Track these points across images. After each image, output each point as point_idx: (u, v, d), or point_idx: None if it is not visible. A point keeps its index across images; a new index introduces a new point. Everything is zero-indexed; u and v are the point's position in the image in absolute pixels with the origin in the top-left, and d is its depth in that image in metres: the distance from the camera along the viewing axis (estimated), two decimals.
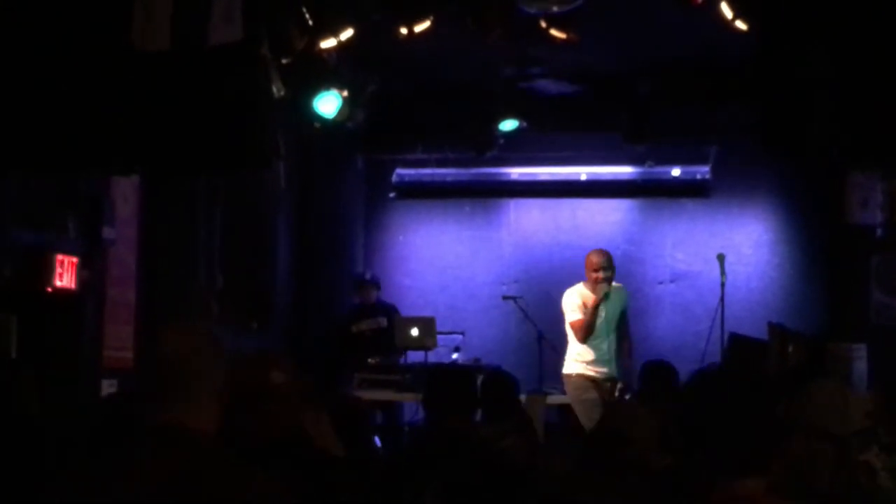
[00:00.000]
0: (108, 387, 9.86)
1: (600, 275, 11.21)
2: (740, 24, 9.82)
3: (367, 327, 13.11)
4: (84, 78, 7.72)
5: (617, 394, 11.18)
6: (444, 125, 14.08)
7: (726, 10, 9.88)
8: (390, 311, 13.26)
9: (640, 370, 9.20)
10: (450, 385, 6.72)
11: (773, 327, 11.98)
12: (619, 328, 11.58)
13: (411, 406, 12.30)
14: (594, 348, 11.37)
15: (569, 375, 11.44)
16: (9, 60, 7.76)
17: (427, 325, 12.48)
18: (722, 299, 12.64)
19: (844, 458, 5.04)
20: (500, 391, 7.91)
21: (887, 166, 10.58)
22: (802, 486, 4.59)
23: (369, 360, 12.86)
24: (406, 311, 13.33)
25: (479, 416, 7.45)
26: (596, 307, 11.27)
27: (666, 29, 11.44)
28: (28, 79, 7.75)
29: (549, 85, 13.42)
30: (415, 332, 12.38)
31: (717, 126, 13.44)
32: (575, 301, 11.39)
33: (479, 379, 9.23)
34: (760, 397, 4.20)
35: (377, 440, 11.98)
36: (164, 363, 3.72)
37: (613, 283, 11.51)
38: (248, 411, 4.45)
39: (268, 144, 8.08)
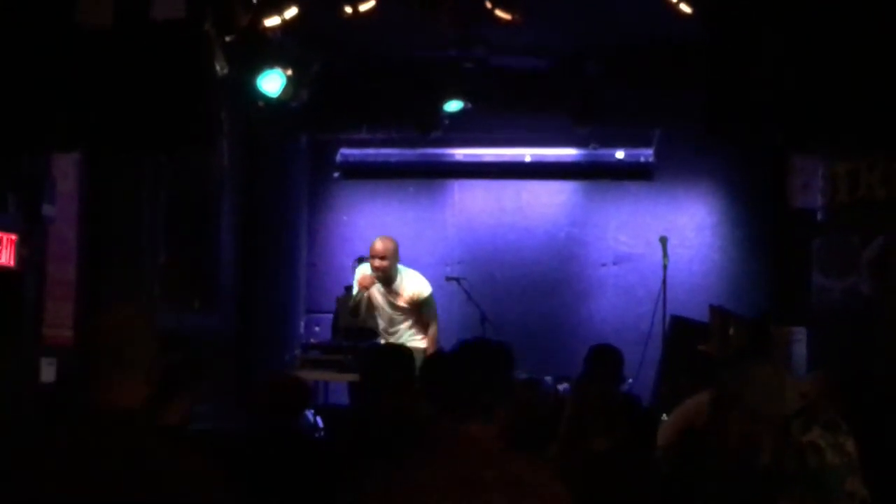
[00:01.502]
0: (47, 364, 9.79)
1: (374, 262, 11.08)
2: (684, 8, 9.87)
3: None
4: (25, 53, 7.65)
5: None
6: (388, 105, 14.03)
7: None
8: None
9: (587, 353, 9.18)
10: (387, 365, 6.72)
11: (715, 310, 12.04)
12: (416, 315, 11.37)
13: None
14: (381, 333, 11.36)
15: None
16: None
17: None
18: (664, 282, 12.72)
19: (783, 438, 5.09)
20: (441, 371, 7.89)
21: (828, 150, 10.65)
22: (737, 465, 4.64)
23: (311, 340, 12.83)
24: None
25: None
26: (362, 289, 11.17)
27: (613, 12, 11.46)
28: None
29: (495, 65, 13.40)
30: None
31: (664, 109, 13.47)
32: (357, 278, 11.31)
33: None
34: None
35: (319, 420, 11.98)
36: (98, 344, 3.72)
37: (411, 274, 11.37)
38: None
39: (210, 123, 8.04)
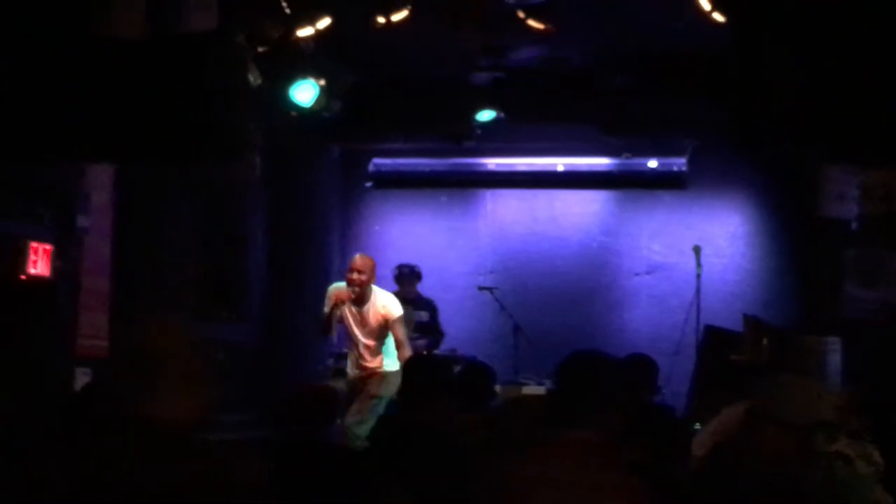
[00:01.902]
0: (81, 375, 9.83)
1: (352, 276, 10.86)
2: (717, 17, 9.85)
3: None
4: (57, 66, 7.68)
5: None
6: (421, 115, 14.04)
7: (704, 2, 9.90)
8: (431, 305, 13.02)
9: (622, 362, 9.12)
10: (426, 375, 6.72)
11: (748, 319, 12.00)
12: (387, 335, 11.13)
13: None
14: (351, 349, 11.19)
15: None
16: None
17: (405, 316, 12.39)
18: (697, 291, 12.69)
19: (812, 449, 5.07)
20: (477, 382, 7.86)
21: (862, 160, 10.60)
22: (771, 478, 4.63)
23: (343, 349, 12.83)
24: None
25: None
26: (333, 307, 10.89)
27: (645, 22, 11.43)
28: (2, 68, 7.70)
29: (527, 76, 13.39)
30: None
31: (695, 119, 13.44)
32: (328, 296, 11.03)
33: (456, 369, 9.22)
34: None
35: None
36: (140, 355, 3.73)
37: (382, 293, 11.15)
38: None
39: (242, 134, 8.05)
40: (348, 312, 10.97)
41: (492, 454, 5.57)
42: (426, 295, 12.96)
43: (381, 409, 10.43)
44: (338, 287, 10.97)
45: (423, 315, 12.75)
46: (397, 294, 12.45)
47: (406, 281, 12.86)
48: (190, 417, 3.73)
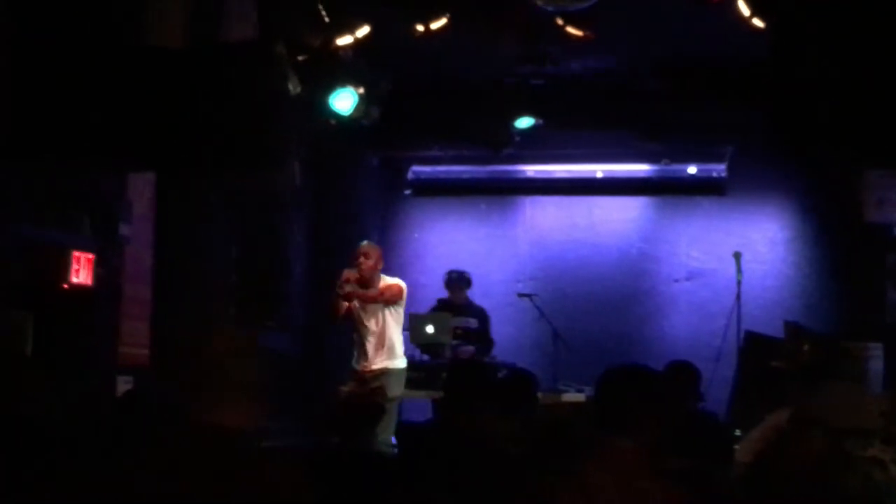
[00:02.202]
0: (123, 383, 9.88)
1: (358, 261, 11.01)
2: (757, 22, 9.83)
3: (455, 325, 12.70)
4: (99, 75, 7.73)
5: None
6: (460, 122, 14.05)
7: (743, 8, 9.88)
8: (481, 313, 12.99)
9: (663, 370, 9.05)
10: (470, 381, 6.72)
11: (789, 325, 11.96)
12: (395, 328, 11.19)
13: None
14: (361, 342, 11.16)
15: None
16: (26, 59, 7.78)
17: (442, 322, 12.41)
18: (738, 297, 12.63)
19: (848, 453, 5.07)
20: (520, 389, 7.84)
21: None
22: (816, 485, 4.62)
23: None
24: (421, 308, 13.30)
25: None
26: (339, 290, 10.98)
27: (683, 27, 11.41)
28: (45, 77, 7.76)
29: (565, 83, 13.38)
30: (430, 329, 12.32)
31: (734, 125, 13.41)
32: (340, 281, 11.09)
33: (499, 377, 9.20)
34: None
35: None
36: (204, 363, 3.76)
37: (389, 278, 11.24)
38: None
39: (282, 142, 8.08)
40: (357, 302, 11.06)
41: (535, 462, 5.58)
42: (477, 303, 12.99)
43: (395, 411, 10.48)
44: (347, 272, 11.07)
45: (473, 322, 12.72)
46: (447, 300, 12.52)
47: (455, 286, 12.89)
48: (240, 424, 3.75)
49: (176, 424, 3.76)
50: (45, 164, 8.31)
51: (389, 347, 11.04)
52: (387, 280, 11.17)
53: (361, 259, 10.99)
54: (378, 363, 10.98)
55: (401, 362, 11.12)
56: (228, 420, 3.72)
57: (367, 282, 11.01)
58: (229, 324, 11.26)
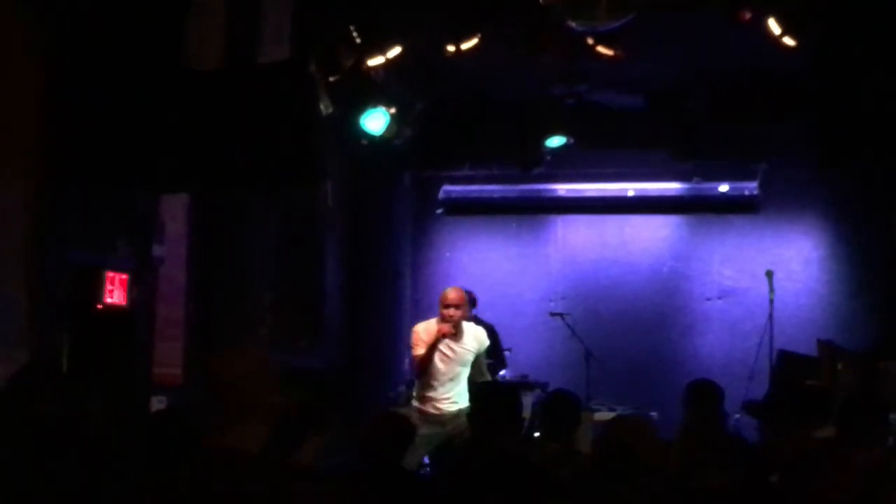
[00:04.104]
0: (157, 403, 9.92)
1: (448, 312, 10.46)
2: (788, 41, 9.81)
3: None
4: (136, 96, 7.79)
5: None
6: (491, 142, 14.09)
7: (774, 27, 9.87)
8: (490, 331, 12.77)
9: (684, 391, 9.03)
10: (495, 402, 6.70)
11: (823, 344, 11.91)
12: (474, 368, 10.74)
13: None
14: (436, 386, 10.61)
15: (410, 409, 10.78)
16: (67, 83, 7.85)
17: None
18: (770, 316, 12.59)
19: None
20: (563, 410, 7.79)
21: None
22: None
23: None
24: None
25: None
26: (433, 345, 10.50)
27: (714, 46, 11.42)
28: (82, 98, 7.82)
29: (597, 102, 13.40)
30: None
31: (766, 142, 13.41)
32: (419, 335, 10.63)
33: (532, 396, 9.18)
34: None
35: (425, 457, 11.99)
36: (219, 386, 3.77)
37: (471, 325, 10.85)
38: None
39: (316, 163, 8.12)
40: (439, 351, 10.62)
41: (588, 484, 5.57)
42: (488, 320, 12.88)
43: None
44: (427, 326, 10.67)
45: None
46: None
47: None
48: (256, 447, 3.77)
49: (192, 447, 3.78)
50: (88, 187, 8.36)
51: (461, 392, 10.64)
52: (471, 329, 10.79)
53: (452, 311, 10.51)
54: (454, 405, 10.56)
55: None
56: (245, 442, 3.74)
57: (456, 334, 10.61)
58: (262, 345, 11.30)
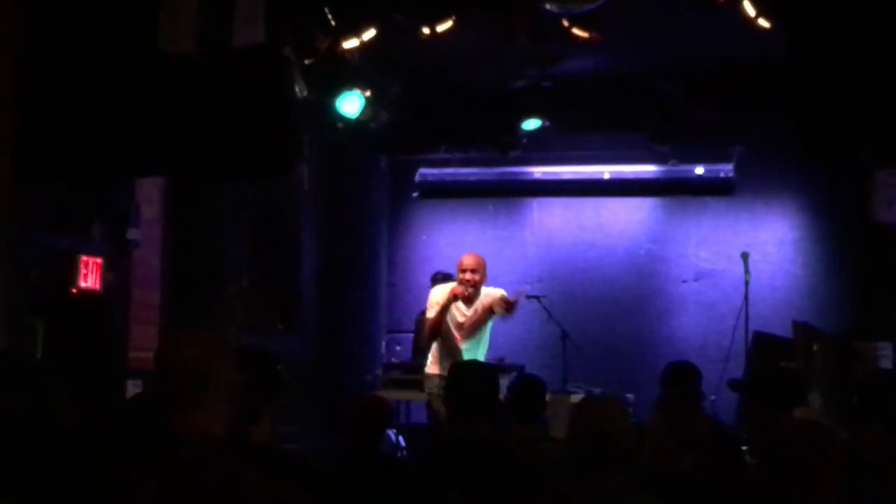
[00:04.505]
0: (132, 387, 9.89)
1: (465, 276, 10.60)
2: (763, 23, 9.82)
3: None
4: (108, 81, 7.75)
5: None
6: (467, 125, 14.08)
7: (749, 8, 9.87)
8: None
9: (662, 372, 9.05)
10: (472, 383, 6.68)
11: (798, 326, 11.95)
12: (485, 340, 10.96)
13: None
14: (453, 351, 10.70)
15: (428, 376, 10.80)
16: (36, 68, 7.81)
17: None
18: (746, 298, 12.62)
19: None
20: (529, 395, 7.80)
21: None
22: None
23: (392, 359, 12.85)
24: None
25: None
26: (446, 306, 10.60)
27: (691, 29, 11.40)
28: (55, 84, 7.78)
29: (573, 84, 13.38)
30: None
31: (743, 126, 13.42)
32: (434, 297, 10.76)
33: (507, 379, 9.16)
34: None
35: (401, 440, 12.01)
36: (179, 369, 3.77)
37: (490, 289, 10.86)
38: None
39: (292, 147, 8.08)
40: (455, 315, 10.74)
41: (560, 470, 5.56)
42: None
43: None
44: (444, 289, 10.75)
45: None
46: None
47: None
48: (216, 429, 3.77)
49: (156, 430, 3.79)
50: (60, 173, 8.31)
51: (482, 356, 10.74)
52: (491, 292, 10.84)
53: (468, 275, 10.63)
54: None
55: (427, 367, 10.87)
56: (206, 425, 3.74)
57: (472, 296, 10.70)
58: (237, 327, 11.28)
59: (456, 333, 10.75)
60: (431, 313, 10.69)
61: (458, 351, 10.71)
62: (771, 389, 6.80)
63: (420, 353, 12.10)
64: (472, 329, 10.79)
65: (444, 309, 10.61)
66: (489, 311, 10.77)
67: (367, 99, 12.19)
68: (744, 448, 7.02)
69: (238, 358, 4.03)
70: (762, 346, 12.35)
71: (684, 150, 14.11)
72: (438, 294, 10.77)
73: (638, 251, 14.63)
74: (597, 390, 11.86)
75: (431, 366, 10.84)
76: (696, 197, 14.45)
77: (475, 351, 10.79)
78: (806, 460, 4.76)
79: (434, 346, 10.87)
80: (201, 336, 3.95)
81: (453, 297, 10.58)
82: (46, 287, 9.27)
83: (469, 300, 10.71)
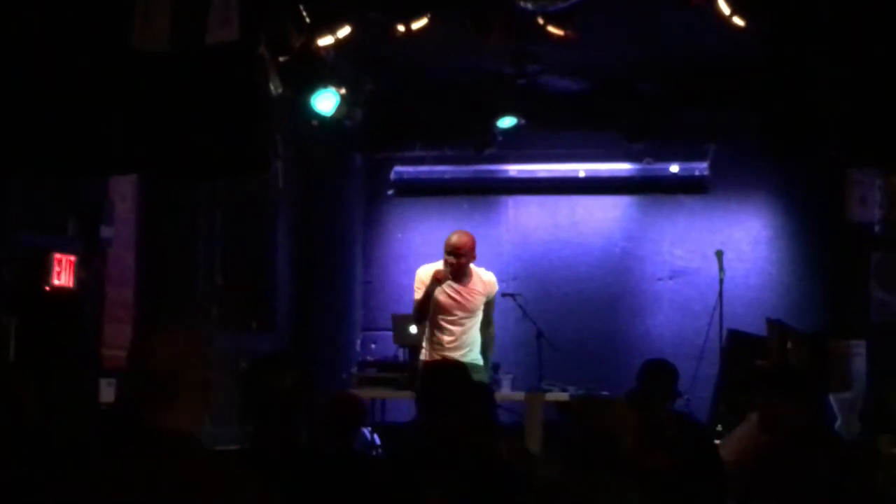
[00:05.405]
0: (106, 385, 9.88)
1: (450, 259, 10.32)
2: (738, 21, 9.84)
3: None
4: (81, 78, 7.71)
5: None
6: (442, 122, 14.08)
7: (724, 7, 9.90)
8: None
9: (640, 368, 9.05)
10: (445, 381, 6.68)
11: (772, 324, 11.99)
12: (483, 316, 10.67)
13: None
14: (443, 334, 10.46)
15: (424, 362, 10.40)
16: (8, 62, 7.77)
17: None
18: (720, 296, 12.66)
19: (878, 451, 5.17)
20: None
21: (886, 164, 10.57)
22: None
23: (367, 357, 12.86)
24: (404, 308, 13.28)
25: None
26: (430, 289, 10.33)
27: (666, 28, 11.43)
28: (27, 80, 7.74)
29: (548, 83, 13.40)
30: (413, 329, 12.27)
31: (718, 125, 13.44)
32: (420, 278, 10.50)
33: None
34: None
35: (376, 437, 12.00)
36: (153, 368, 3.77)
37: (480, 270, 10.69)
38: None
39: (265, 144, 8.06)
40: (444, 293, 10.45)
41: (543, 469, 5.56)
42: None
43: None
44: (429, 268, 10.50)
45: None
46: None
47: None
48: (188, 427, 3.78)
49: (129, 429, 3.79)
50: (30, 170, 8.28)
51: (473, 345, 10.55)
52: (482, 274, 10.65)
53: (452, 259, 10.35)
54: (458, 355, 10.17)
55: (481, 359, 10.64)
56: (176, 423, 3.75)
57: (460, 274, 10.42)
58: (212, 325, 11.27)
59: (450, 315, 10.52)
60: (418, 294, 10.48)
61: (449, 333, 10.50)
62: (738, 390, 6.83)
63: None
64: (465, 312, 10.56)
65: (430, 291, 10.36)
66: (481, 299, 10.58)
67: (342, 96, 12.18)
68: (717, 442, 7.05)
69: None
70: (736, 344, 12.39)
71: (659, 148, 14.12)
72: (423, 273, 10.52)
73: (613, 249, 14.63)
74: (572, 388, 11.86)
75: (425, 353, 10.64)
76: (670, 195, 14.45)
77: (464, 333, 10.55)
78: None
79: (426, 333, 10.63)
80: (175, 334, 3.95)
81: (436, 282, 10.35)
82: (19, 285, 9.24)
83: (458, 277, 10.45)
